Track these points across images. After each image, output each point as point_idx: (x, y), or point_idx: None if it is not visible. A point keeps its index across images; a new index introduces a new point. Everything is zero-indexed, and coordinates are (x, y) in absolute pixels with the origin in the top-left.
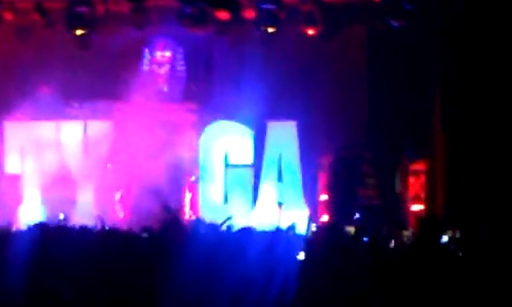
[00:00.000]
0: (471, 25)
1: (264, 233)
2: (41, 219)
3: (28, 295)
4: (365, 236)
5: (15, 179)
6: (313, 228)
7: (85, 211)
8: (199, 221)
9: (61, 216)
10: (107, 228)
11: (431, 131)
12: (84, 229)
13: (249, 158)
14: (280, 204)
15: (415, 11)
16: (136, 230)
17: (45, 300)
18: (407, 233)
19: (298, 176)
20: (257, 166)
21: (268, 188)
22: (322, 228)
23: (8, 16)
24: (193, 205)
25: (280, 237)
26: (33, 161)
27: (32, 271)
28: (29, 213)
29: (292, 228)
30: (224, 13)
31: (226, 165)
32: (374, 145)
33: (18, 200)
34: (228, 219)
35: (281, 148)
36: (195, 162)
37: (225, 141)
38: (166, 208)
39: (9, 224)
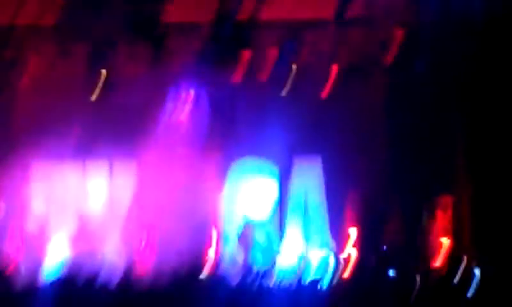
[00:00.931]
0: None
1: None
2: (66, 265)
3: None
4: (391, 271)
5: (42, 219)
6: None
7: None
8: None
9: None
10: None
11: (457, 164)
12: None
13: (274, 195)
14: (306, 241)
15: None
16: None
17: None
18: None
19: (324, 212)
20: (282, 203)
21: (294, 225)
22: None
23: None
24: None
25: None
26: (60, 201)
27: None
28: (56, 255)
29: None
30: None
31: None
32: (400, 179)
33: (45, 242)
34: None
35: (306, 184)
36: (221, 200)
37: (251, 178)
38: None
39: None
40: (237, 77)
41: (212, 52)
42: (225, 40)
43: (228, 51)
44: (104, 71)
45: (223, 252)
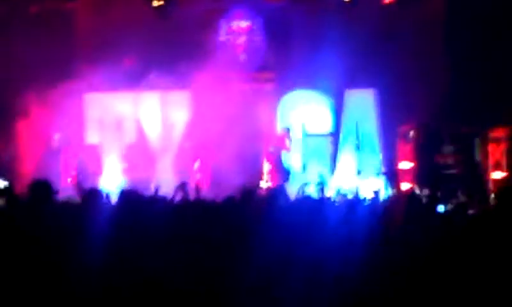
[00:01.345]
0: None
1: (344, 202)
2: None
3: (110, 264)
4: (443, 205)
5: (95, 149)
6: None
7: (165, 181)
8: (278, 190)
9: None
10: (187, 198)
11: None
12: (166, 200)
13: (327, 127)
14: (359, 172)
15: None
16: (216, 199)
17: (128, 271)
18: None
19: (377, 145)
20: (336, 135)
21: (347, 156)
22: (400, 196)
23: None
24: (272, 174)
25: (359, 206)
26: (112, 132)
27: (114, 240)
28: (110, 182)
29: (372, 195)
30: None
31: (305, 134)
32: (454, 113)
33: (98, 170)
34: (305, 184)
35: (359, 116)
36: (274, 130)
37: (303, 110)
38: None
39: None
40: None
41: None
42: None
43: None
44: (157, 1)
45: (273, 183)
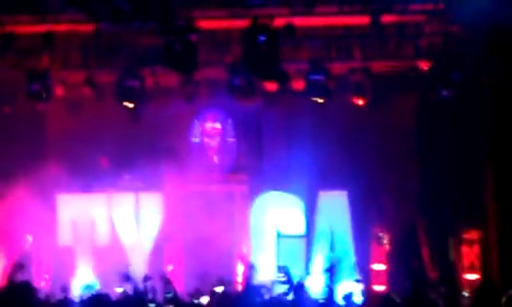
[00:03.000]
0: None
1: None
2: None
3: None
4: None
5: (68, 251)
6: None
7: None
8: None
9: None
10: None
11: (483, 200)
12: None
13: (301, 229)
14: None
15: (463, 81)
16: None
17: None
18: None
19: (350, 246)
20: (309, 236)
21: (320, 258)
22: (376, 298)
23: (59, 91)
24: (245, 276)
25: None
26: (85, 233)
27: None
28: (82, 285)
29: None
30: (273, 84)
31: (279, 235)
32: (426, 214)
33: (71, 272)
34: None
35: (332, 217)
36: (247, 233)
37: (276, 212)
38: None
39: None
40: (263, 107)
41: (237, 83)
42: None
43: (254, 82)
44: (130, 103)
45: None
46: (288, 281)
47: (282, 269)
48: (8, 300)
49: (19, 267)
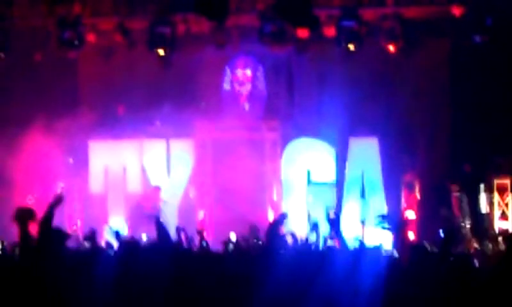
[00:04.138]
0: None
1: (349, 251)
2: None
3: None
4: (451, 256)
5: (100, 198)
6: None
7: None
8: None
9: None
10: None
11: None
12: (167, 248)
13: (331, 176)
14: (363, 221)
15: (496, 26)
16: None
17: None
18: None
19: (381, 193)
20: (340, 183)
21: (351, 205)
22: (407, 246)
23: (91, 37)
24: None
25: (364, 256)
26: (117, 180)
27: (118, 288)
28: (114, 231)
29: (377, 247)
30: (305, 30)
31: (309, 182)
32: (458, 162)
33: (102, 219)
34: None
35: (363, 164)
36: (278, 180)
37: (307, 158)
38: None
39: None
40: (294, 54)
41: (269, 30)
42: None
43: (285, 28)
44: (161, 50)
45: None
46: (318, 238)
47: (313, 227)
48: (41, 247)
49: (59, 199)
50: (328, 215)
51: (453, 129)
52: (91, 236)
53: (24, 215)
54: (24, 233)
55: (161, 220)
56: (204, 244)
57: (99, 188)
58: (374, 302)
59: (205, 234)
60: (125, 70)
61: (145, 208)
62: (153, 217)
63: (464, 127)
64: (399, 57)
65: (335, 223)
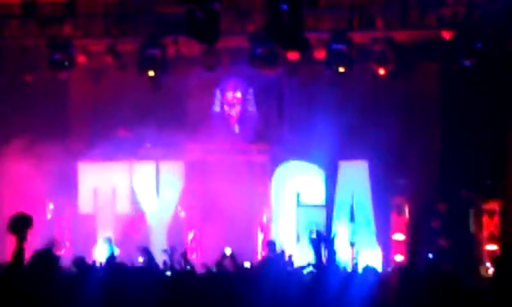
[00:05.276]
0: None
1: (339, 273)
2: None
3: None
4: (439, 277)
5: (89, 219)
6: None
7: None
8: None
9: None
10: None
11: (505, 170)
12: (153, 271)
13: (321, 198)
14: (352, 244)
15: (485, 51)
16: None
17: None
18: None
19: (370, 216)
20: (329, 206)
21: (340, 227)
22: (396, 268)
23: (81, 59)
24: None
25: (354, 278)
26: (106, 202)
27: None
28: (102, 253)
29: (367, 268)
30: (295, 53)
31: (298, 204)
32: (447, 185)
33: (91, 240)
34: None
35: (353, 187)
36: (267, 202)
37: (297, 181)
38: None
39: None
40: (285, 76)
41: (259, 52)
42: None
43: (276, 51)
44: (151, 72)
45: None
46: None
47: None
48: (31, 271)
49: (53, 244)
50: (310, 236)
51: (443, 152)
52: (80, 262)
53: (20, 224)
54: (20, 247)
55: (149, 250)
56: (188, 267)
57: (88, 209)
58: None
59: (194, 255)
60: (115, 92)
61: (132, 236)
62: (142, 249)
63: (454, 150)
64: (389, 80)
65: (320, 244)
